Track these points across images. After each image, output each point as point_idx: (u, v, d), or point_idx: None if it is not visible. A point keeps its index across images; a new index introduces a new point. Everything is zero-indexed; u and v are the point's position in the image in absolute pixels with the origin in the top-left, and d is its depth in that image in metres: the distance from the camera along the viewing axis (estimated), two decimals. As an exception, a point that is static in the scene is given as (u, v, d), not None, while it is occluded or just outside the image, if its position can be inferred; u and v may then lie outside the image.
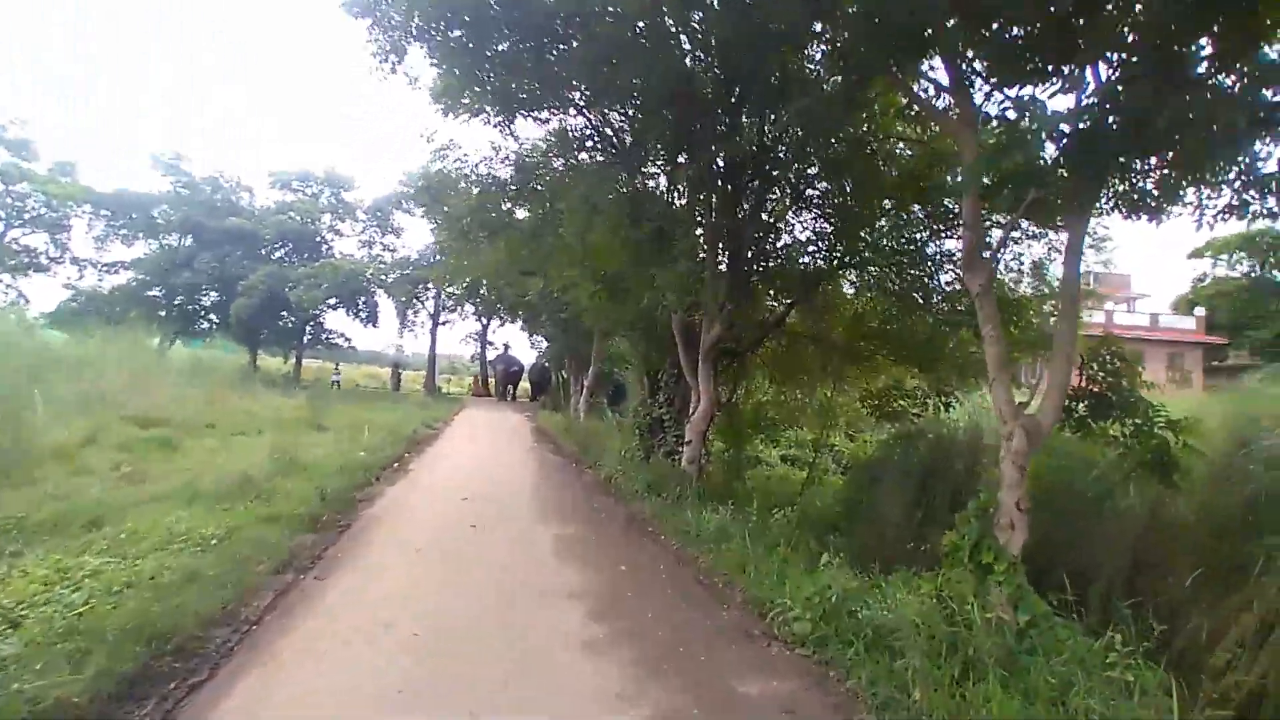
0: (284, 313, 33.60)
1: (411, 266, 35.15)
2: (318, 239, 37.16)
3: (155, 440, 12.74)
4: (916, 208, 10.33)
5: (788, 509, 8.87)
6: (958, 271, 9.86)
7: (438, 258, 30.62)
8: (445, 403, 30.68)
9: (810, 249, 11.78)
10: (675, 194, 11.70)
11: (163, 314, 34.50)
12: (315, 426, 16.85)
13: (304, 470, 10.42)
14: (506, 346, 41.32)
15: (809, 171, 10.60)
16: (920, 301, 10.68)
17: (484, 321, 41.34)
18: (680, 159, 10.50)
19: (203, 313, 36.04)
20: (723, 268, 10.53)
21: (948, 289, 10.72)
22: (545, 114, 11.11)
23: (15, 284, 35.28)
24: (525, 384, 41.48)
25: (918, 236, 10.61)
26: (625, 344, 16.31)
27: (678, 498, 10.03)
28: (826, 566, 6.49)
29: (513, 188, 12.67)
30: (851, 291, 13.05)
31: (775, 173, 10.49)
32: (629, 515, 9.85)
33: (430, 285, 35.55)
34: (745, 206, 10.95)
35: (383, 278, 35.03)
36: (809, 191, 11.21)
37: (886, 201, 10.33)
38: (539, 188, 12.27)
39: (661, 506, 9.77)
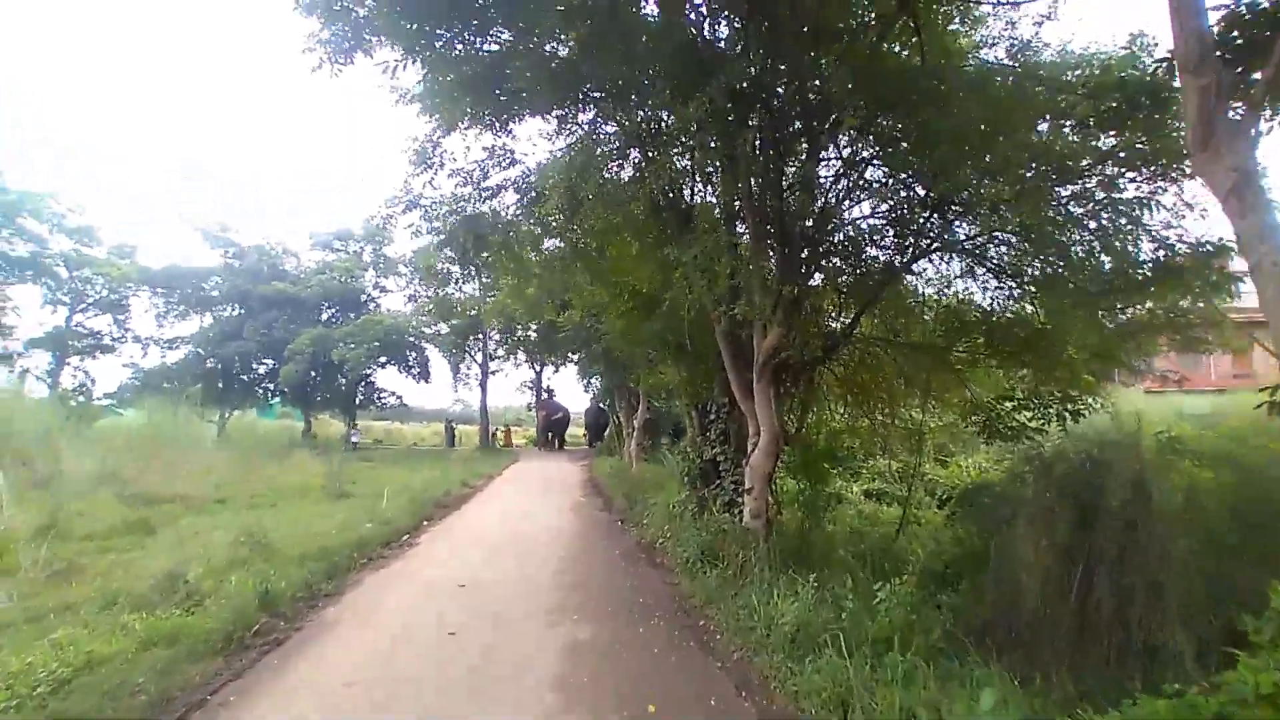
0: (333, 375, 32.30)
1: (455, 316, 33.52)
2: (362, 297, 36.00)
3: (135, 524, 10.79)
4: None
5: (895, 580, 6.03)
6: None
7: (485, 302, 29.07)
8: (496, 457, 28.48)
9: (877, 237, 9.07)
10: (703, 178, 9.26)
11: (220, 385, 33.84)
12: (336, 495, 14.79)
13: (272, 556, 8.23)
14: (550, 392, 38.38)
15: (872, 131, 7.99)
16: (1065, 273, 7.75)
17: (536, 368, 39.40)
18: (712, 142, 8.07)
19: (257, 381, 35.14)
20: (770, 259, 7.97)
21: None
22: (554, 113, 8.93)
23: (83, 366, 35.32)
24: (578, 430, 39.20)
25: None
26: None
27: (740, 569, 7.38)
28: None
29: (520, 203, 10.47)
30: (927, 287, 10.28)
31: (824, 138, 7.93)
32: (674, 600, 7.23)
33: (478, 335, 33.95)
34: (791, 186, 8.44)
35: (425, 330, 33.49)
36: (870, 170, 8.63)
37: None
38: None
39: (718, 584, 7.14)
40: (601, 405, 33.93)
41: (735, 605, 6.37)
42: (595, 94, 8.54)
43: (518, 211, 10.47)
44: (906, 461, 12.58)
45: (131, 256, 35.98)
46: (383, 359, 33.71)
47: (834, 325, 9.70)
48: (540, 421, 36.31)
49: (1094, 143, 7.26)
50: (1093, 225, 7.40)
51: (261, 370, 34.83)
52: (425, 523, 12.11)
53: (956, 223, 8.61)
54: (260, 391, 35.66)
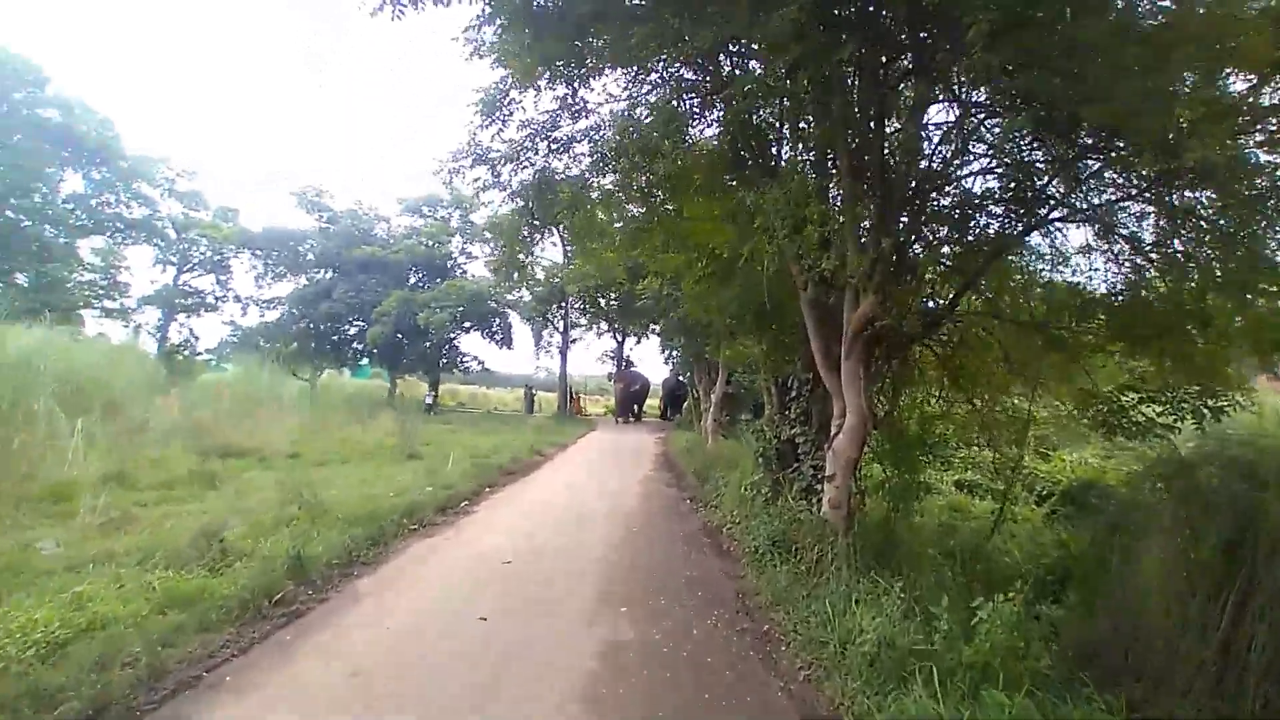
0: (419, 338, 32.64)
1: (539, 283, 33.27)
2: (449, 262, 36.23)
3: (201, 476, 10.74)
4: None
5: (998, 595, 4.99)
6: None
7: (568, 268, 28.78)
8: (573, 425, 28.14)
9: (989, 204, 7.83)
10: (792, 131, 8.25)
11: (313, 345, 34.83)
12: (407, 455, 14.61)
13: (321, 517, 7.89)
14: (629, 362, 37.63)
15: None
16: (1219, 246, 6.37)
17: (618, 338, 38.90)
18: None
19: (347, 342, 35.96)
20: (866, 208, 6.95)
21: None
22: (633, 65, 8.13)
23: (188, 323, 37.08)
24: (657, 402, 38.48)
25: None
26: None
27: (814, 565, 6.51)
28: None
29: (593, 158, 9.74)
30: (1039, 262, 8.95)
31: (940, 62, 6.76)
32: (737, 596, 6.39)
33: (561, 303, 33.69)
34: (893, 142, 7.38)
35: (509, 295, 33.43)
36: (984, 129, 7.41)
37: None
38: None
39: (788, 582, 6.29)
40: (680, 377, 33.12)
41: (806, 610, 5.51)
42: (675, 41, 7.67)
43: (590, 168, 9.74)
44: (1005, 453, 11.32)
45: (234, 220, 37.42)
46: (466, 324, 33.91)
47: (932, 301, 8.60)
48: (618, 392, 35.45)
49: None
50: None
51: (352, 331, 35.58)
52: (488, 489, 11.68)
53: (1087, 187, 7.35)
54: (350, 352, 36.51)
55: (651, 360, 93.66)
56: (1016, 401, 10.41)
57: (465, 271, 36.55)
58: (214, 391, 19.64)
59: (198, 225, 35.84)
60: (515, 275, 25.84)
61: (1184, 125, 4.82)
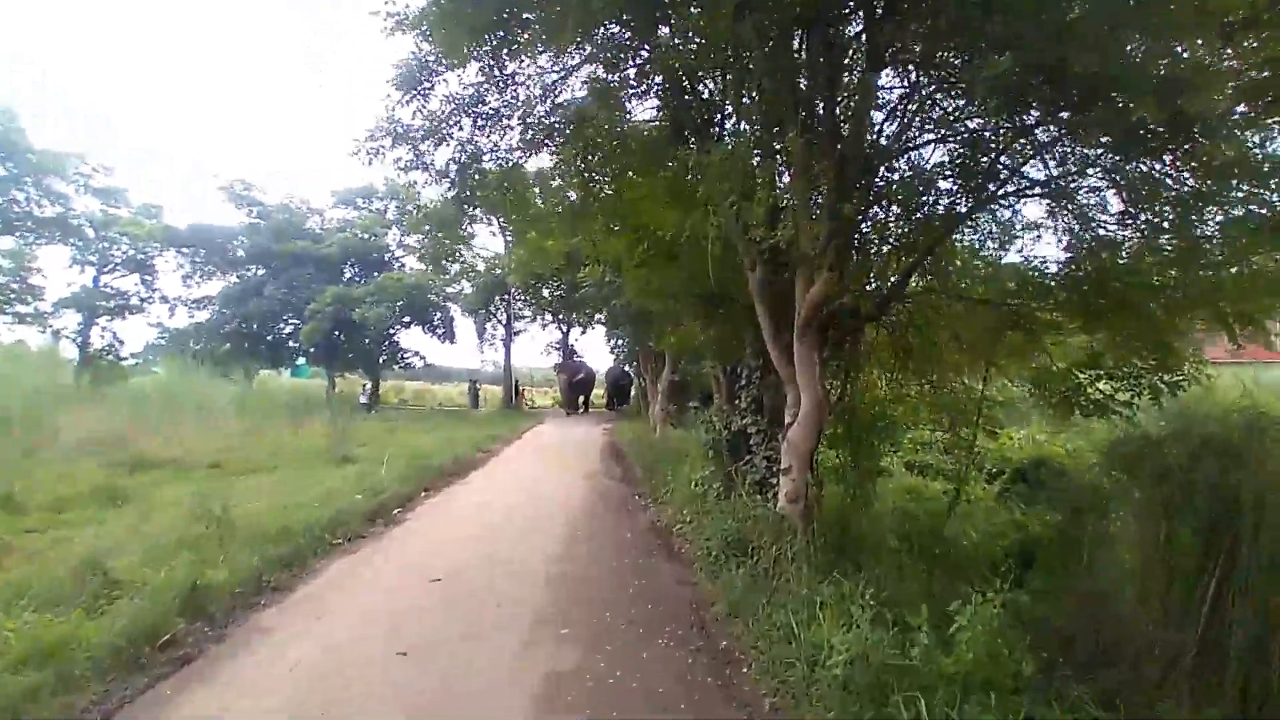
0: (356, 335, 31.24)
1: (479, 274, 32.25)
2: (385, 255, 34.81)
3: (105, 492, 9.71)
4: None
5: (975, 596, 4.48)
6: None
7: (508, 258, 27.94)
8: (518, 419, 27.26)
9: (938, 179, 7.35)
10: (736, 104, 7.65)
11: (246, 345, 33.13)
12: (340, 459, 13.64)
13: (231, 536, 7.00)
14: (572, 353, 36.57)
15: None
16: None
17: (563, 329, 38.09)
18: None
19: (283, 341, 34.29)
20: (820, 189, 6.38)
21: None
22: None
23: (110, 326, 34.80)
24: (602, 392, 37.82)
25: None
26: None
27: (773, 565, 5.98)
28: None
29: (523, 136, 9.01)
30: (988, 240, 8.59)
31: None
32: (691, 607, 5.78)
33: (504, 295, 32.71)
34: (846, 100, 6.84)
35: (448, 289, 32.34)
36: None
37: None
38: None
39: (746, 587, 5.72)
40: (625, 367, 32.48)
41: (767, 621, 4.93)
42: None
43: (520, 145, 9.00)
44: (956, 433, 11.00)
45: (158, 216, 35.16)
46: (406, 319, 32.69)
47: (881, 281, 8.12)
48: (563, 384, 34.28)
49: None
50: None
51: (286, 330, 33.95)
52: (424, 493, 10.88)
53: (1044, 158, 6.94)
54: (286, 351, 34.85)
55: (598, 350, 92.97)
56: (966, 382, 10.12)
57: (402, 264, 35.18)
58: (136, 398, 18.29)
59: (117, 223, 33.59)
60: (447, 262, 24.71)
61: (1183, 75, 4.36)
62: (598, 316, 28.48)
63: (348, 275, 34.10)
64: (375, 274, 33.26)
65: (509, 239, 29.74)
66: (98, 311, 33.79)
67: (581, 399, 34.81)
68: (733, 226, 6.75)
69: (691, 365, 19.93)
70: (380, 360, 33.69)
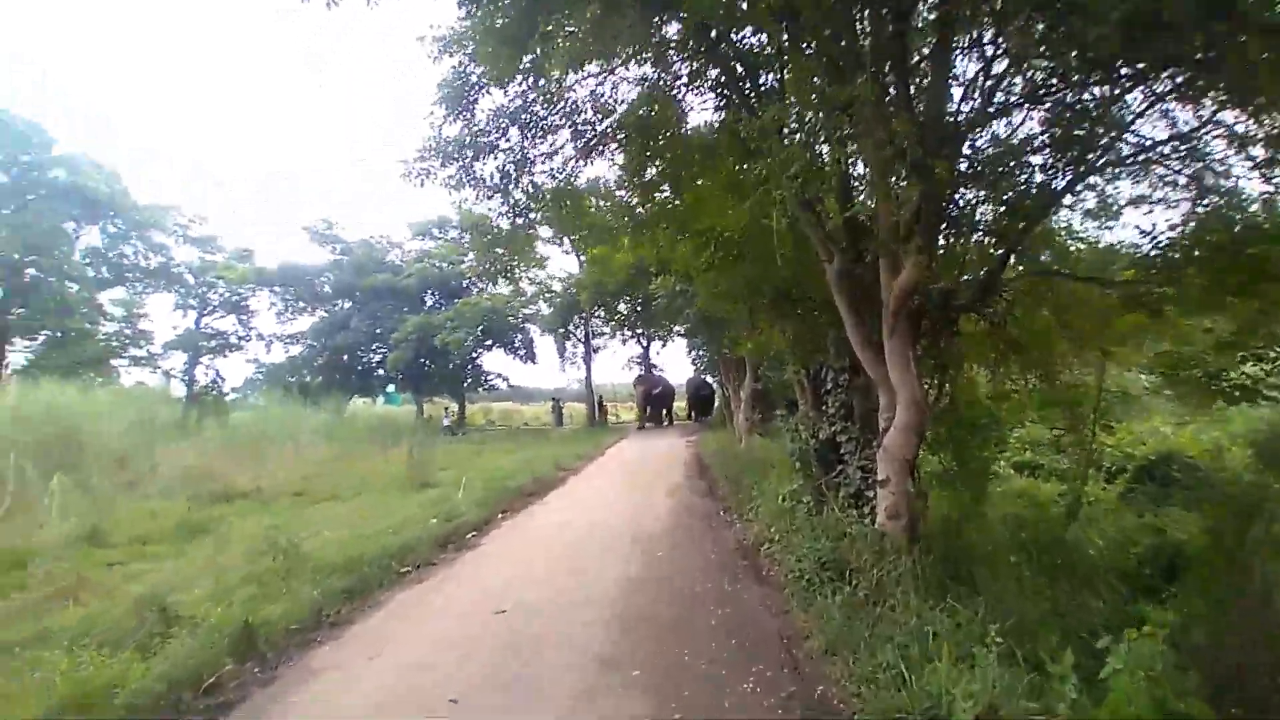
0: (440, 360, 31.73)
1: (554, 295, 32.29)
2: (464, 283, 35.35)
3: (188, 525, 9.81)
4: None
5: (1131, 632, 3.64)
6: None
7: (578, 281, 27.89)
8: (601, 435, 26.92)
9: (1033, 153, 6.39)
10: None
11: (337, 376, 34.26)
12: (419, 485, 13.53)
13: (298, 568, 6.80)
14: (650, 366, 35.71)
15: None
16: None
17: (643, 343, 37.71)
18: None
19: (371, 369, 35.25)
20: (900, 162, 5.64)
21: None
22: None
23: (213, 364, 36.70)
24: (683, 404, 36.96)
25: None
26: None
27: (874, 589, 5.26)
28: None
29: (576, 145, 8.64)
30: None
31: None
32: (781, 642, 5.05)
33: (581, 314, 32.63)
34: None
35: (526, 309, 32.44)
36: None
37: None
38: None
39: (844, 617, 5.00)
40: (706, 377, 31.68)
41: (871, 661, 4.21)
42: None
43: (574, 154, 8.61)
44: (1074, 429, 9.89)
45: (250, 260, 36.95)
46: (488, 342, 33.06)
47: (973, 267, 7.23)
48: (639, 397, 33.25)
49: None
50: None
51: (375, 359, 34.92)
52: (501, 515, 10.56)
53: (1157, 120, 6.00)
54: (375, 379, 35.83)
55: (679, 363, 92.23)
56: (1076, 373, 9.07)
57: (481, 289, 35.64)
58: (229, 432, 18.88)
59: (214, 269, 35.48)
60: (510, 280, 24.55)
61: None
62: (675, 328, 28.03)
63: (429, 304, 34.83)
64: (454, 300, 33.81)
65: (581, 258, 29.76)
66: (201, 351, 35.71)
67: (664, 411, 34.01)
68: (801, 211, 6.11)
69: (773, 372, 19.14)
70: (465, 383, 34.14)
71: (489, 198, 8.62)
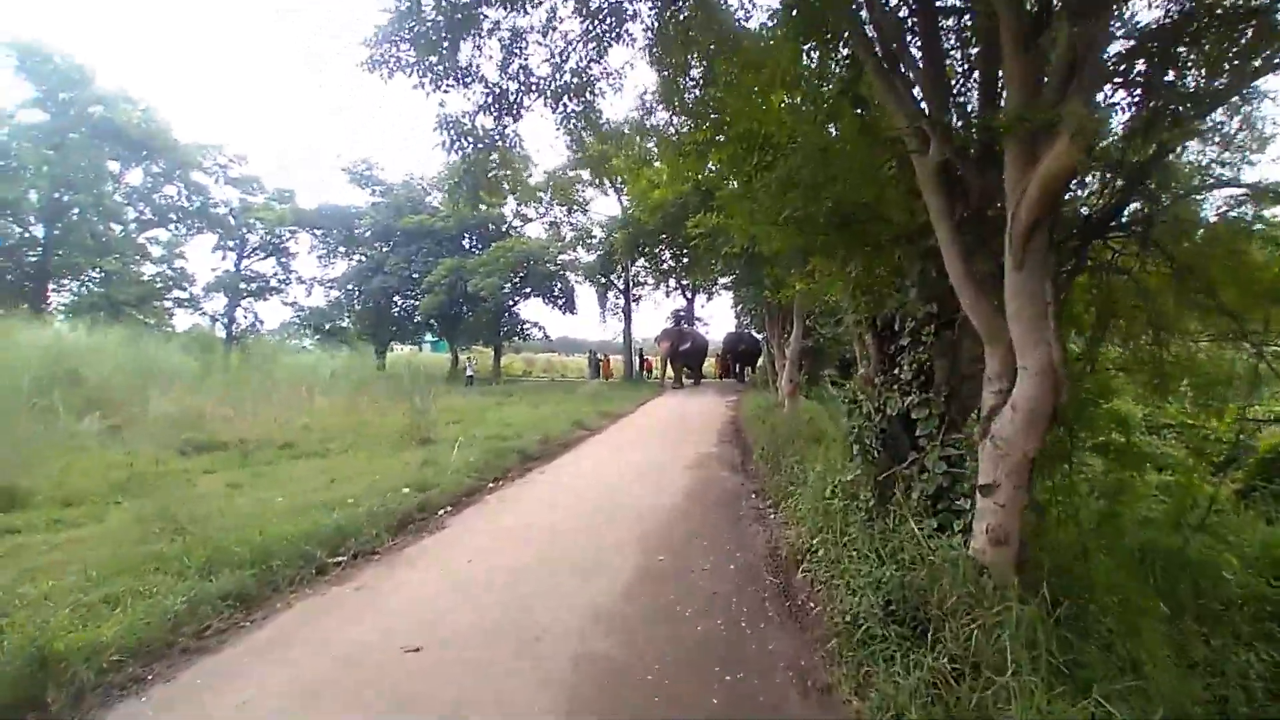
0: (476, 307, 30.04)
1: (596, 240, 30.19)
2: (504, 226, 33.45)
3: (137, 483, 8.36)
4: None
5: None
6: None
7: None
8: (639, 390, 24.93)
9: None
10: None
11: (373, 322, 33.07)
12: (419, 440, 11.85)
13: (193, 553, 5.12)
14: (679, 318, 32.91)
15: None
16: None
17: (687, 295, 35.45)
18: None
19: (409, 315, 33.90)
20: None
21: None
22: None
23: (252, 307, 35.96)
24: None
25: None
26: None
27: (967, 651, 3.25)
28: None
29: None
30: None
31: None
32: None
33: (623, 263, 30.44)
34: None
35: (563, 257, 30.44)
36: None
37: None
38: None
39: (923, 708, 2.99)
40: (748, 330, 29.08)
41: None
42: None
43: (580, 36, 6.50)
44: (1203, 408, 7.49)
45: (291, 201, 35.82)
46: (526, 290, 31.26)
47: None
48: (664, 352, 30.08)
49: None
50: None
51: (413, 304, 33.62)
52: (490, 485, 8.76)
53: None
54: (412, 326, 34.50)
55: (725, 318, 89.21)
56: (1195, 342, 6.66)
57: (520, 234, 33.69)
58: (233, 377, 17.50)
59: (254, 210, 34.44)
60: (488, 194, 22.20)
61: None
62: (720, 279, 25.75)
63: (467, 248, 33.12)
64: (493, 245, 32.06)
65: (623, 199, 27.50)
66: (240, 294, 34.93)
67: (692, 370, 30.98)
68: (877, 75, 3.95)
69: (826, 327, 16.82)
70: (501, 332, 32.51)
71: (465, 85, 6.55)
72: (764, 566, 5.43)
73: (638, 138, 9.91)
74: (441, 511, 7.34)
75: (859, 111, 5.08)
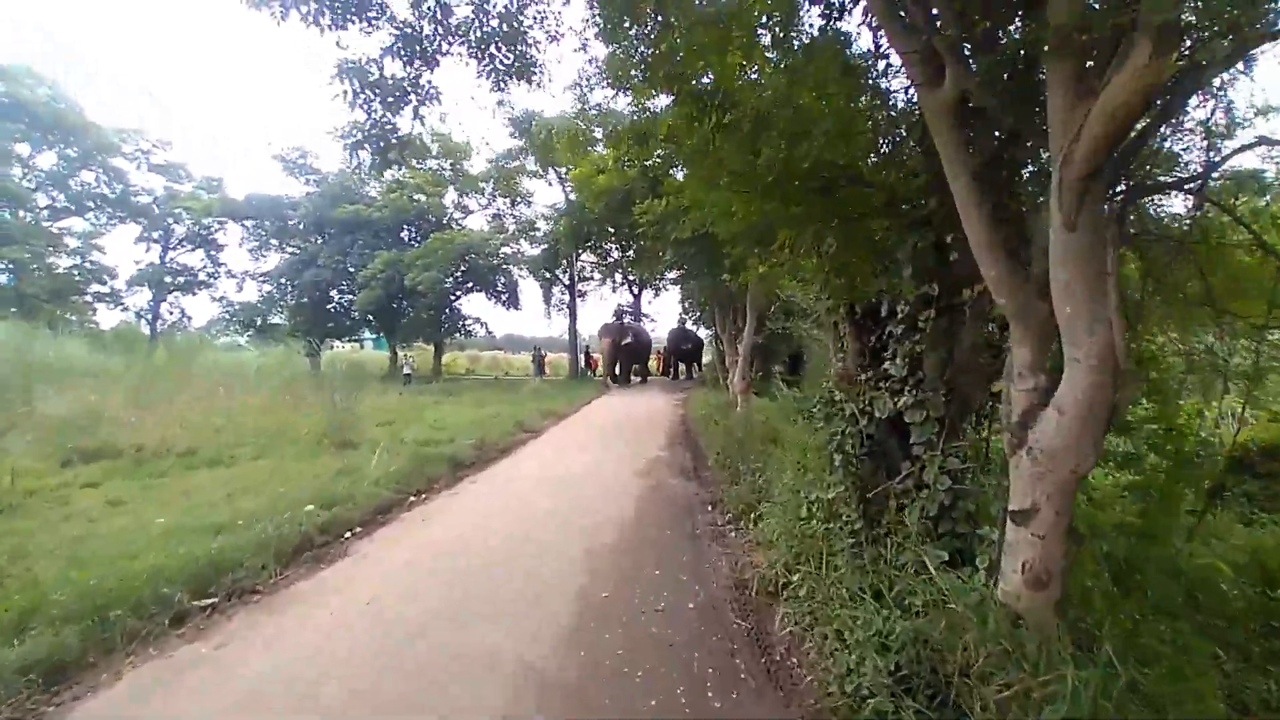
0: (416, 303, 28.34)
1: (542, 233, 28.89)
2: (444, 219, 31.79)
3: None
4: None
5: None
6: None
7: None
8: (584, 389, 23.77)
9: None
10: None
11: (306, 318, 31.07)
12: (339, 444, 10.55)
13: (28, 602, 3.91)
14: (622, 313, 31.54)
15: None
16: None
17: (635, 291, 34.44)
18: None
19: (346, 311, 31.95)
20: None
21: None
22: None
23: (178, 302, 33.53)
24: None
25: None
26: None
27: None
28: None
29: None
30: None
31: None
32: None
33: (565, 255, 29.19)
34: None
35: (505, 250, 29.03)
36: None
37: None
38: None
39: None
40: (692, 326, 28.25)
41: None
42: None
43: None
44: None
45: (220, 190, 33.48)
46: (468, 284, 29.73)
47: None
48: (607, 349, 28.50)
49: None
50: None
51: (348, 299, 31.73)
52: (412, 499, 7.60)
53: None
54: (348, 322, 32.59)
55: (672, 314, 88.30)
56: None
57: (462, 227, 32.08)
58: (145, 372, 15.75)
59: (179, 199, 32.04)
60: (395, 162, 20.70)
61: None
62: (667, 273, 24.83)
63: (406, 240, 31.41)
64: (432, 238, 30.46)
65: (568, 191, 26.33)
66: (166, 288, 32.55)
67: (636, 367, 29.68)
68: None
69: (777, 323, 16.04)
70: (442, 328, 30.88)
71: (370, 23, 5.38)
72: (730, 604, 4.43)
73: (580, 122, 8.85)
74: (349, 534, 6.17)
75: (840, 46, 4.14)
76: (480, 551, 5.60)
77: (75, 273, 29.91)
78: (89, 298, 30.59)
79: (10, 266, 26.88)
